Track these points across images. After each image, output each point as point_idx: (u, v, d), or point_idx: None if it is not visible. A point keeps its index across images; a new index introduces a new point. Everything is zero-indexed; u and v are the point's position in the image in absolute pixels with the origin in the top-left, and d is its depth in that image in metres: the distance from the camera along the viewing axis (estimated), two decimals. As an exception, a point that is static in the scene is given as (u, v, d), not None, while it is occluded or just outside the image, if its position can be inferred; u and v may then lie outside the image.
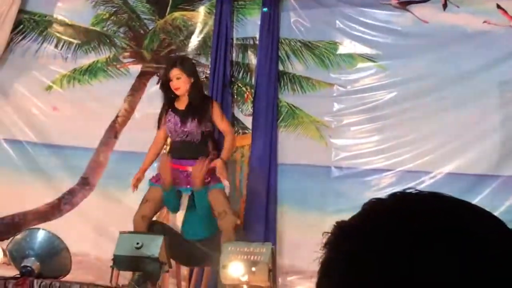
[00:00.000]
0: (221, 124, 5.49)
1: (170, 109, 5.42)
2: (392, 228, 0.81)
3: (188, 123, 5.34)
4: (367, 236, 0.82)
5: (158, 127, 5.57)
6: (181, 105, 5.44)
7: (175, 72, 5.34)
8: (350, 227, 0.85)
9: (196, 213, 5.35)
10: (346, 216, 0.88)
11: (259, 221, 6.18)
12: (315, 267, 0.87)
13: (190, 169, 5.31)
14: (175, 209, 5.44)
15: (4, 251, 5.30)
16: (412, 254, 0.79)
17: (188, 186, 5.35)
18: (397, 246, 0.80)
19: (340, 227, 0.85)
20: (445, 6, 6.30)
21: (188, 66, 5.42)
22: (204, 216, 5.32)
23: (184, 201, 5.45)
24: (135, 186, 5.42)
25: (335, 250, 0.84)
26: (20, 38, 6.78)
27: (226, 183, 5.40)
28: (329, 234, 0.86)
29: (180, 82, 5.33)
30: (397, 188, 0.90)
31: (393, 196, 0.85)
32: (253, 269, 4.77)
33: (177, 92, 5.39)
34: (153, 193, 5.39)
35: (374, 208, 0.85)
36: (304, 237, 6.15)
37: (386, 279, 0.79)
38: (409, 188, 0.86)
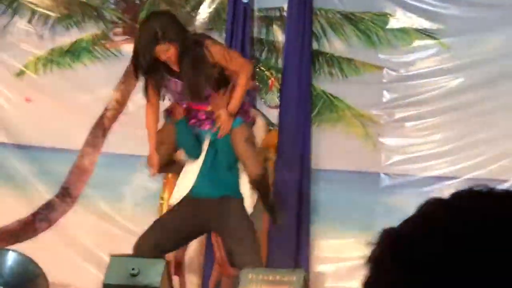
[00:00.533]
0: (230, 64, 5.46)
1: (168, 75, 5.47)
2: (458, 237, 0.82)
3: None
4: (425, 247, 0.83)
5: (147, 95, 5.58)
6: (176, 66, 5.47)
7: (160, 49, 5.32)
8: (402, 235, 0.86)
9: (217, 165, 5.45)
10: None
11: (288, 243, 6.23)
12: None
13: (209, 107, 5.41)
14: (194, 152, 5.51)
15: (-35, 278, 5.40)
16: (486, 272, 0.80)
17: (208, 128, 5.44)
18: (464, 262, 0.81)
19: (390, 236, 0.88)
20: (527, -34, 6.40)
21: (171, 33, 5.35)
22: (227, 168, 5.44)
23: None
24: (157, 170, 5.52)
25: (384, 266, 0.86)
26: (-17, 11, 6.79)
27: (259, 119, 5.54)
28: (375, 246, 0.88)
29: (170, 53, 5.34)
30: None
31: (458, 196, 0.87)
32: (281, 302, 4.85)
33: (171, 61, 5.41)
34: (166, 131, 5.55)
35: (433, 211, 0.87)
36: (345, 262, 6.25)
37: None
38: (478, 186, 0.87)
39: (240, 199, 5.48)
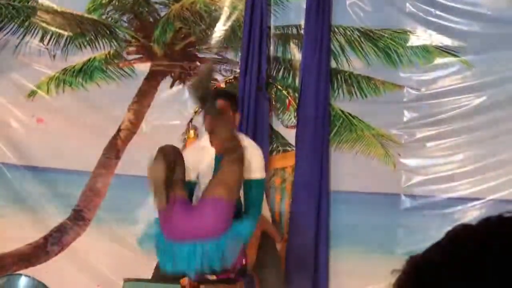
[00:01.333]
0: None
1: None
2: (484, 266, 0.81)
3: None
4: (450, 276, 0.83)
5: None
6: None
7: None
8: (429, 264, 0.86)
9: None
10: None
11: (305, 268, 6.23)
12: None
13: None
14: None
15: (-23, 302, 5.44)
16: None
17: None
18: None
19: (416, 264, 0.88)
20: (550, -18, 6.47)
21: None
22: None
23: None
24: None
25: None
26: (-5, 30, 6.99)
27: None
28: (401, 274, 0.90)
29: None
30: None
31: (486, 222, 0.87)
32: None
33: None
34: None
35: (461, 238, 0.87)
36: (366, 287, 6.27)
37: None
38: (508, 212, 0.86)
39: None
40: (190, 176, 5.59)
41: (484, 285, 0.81)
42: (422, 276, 0.87)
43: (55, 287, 5.55)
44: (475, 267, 0.82)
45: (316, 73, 6.36)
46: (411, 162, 6.46)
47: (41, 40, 6.90)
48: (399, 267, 0.91)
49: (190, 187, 5.57)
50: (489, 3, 6.46)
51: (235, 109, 5.76)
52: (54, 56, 6.88)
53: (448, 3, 6.48)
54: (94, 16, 6.93)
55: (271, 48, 6.60)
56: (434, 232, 6.15)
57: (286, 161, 6.30)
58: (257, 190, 5.62)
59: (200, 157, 5.66)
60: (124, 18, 6.87)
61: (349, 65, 6.59)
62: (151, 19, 6.86)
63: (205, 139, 5.75)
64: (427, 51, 6.52)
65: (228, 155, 5.28)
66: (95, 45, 6.87)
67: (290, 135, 6.45)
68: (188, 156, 5.58)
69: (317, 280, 6.24)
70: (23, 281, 5.42)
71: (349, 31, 6.61)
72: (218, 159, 5.53)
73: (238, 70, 6.63)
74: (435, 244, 0.89)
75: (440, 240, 0.88)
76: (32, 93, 6.88)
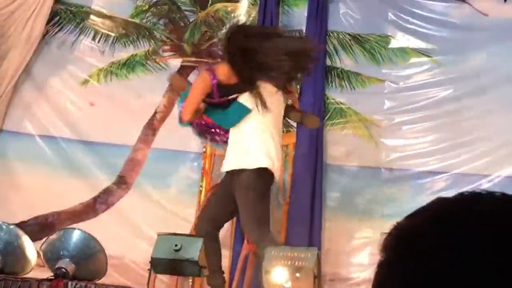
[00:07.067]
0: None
1: None
2: (462, 232, 0.79)
3: None
4: (433, 240, 0.79)
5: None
6: None
7: None
8: (413, 229, 0.82)
9: None
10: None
11: (303, 225, 6.19)
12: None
13: None
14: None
15: (38, 252, 5.25)
16: (484, 263, 0.77)
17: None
18: (466, 253, 0.78)
19: (402, 229, 0.82)
20: (506, -3, 6.38)
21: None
22: None
23: None
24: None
25: (397, 255, 0.82)
26: (56, 30, 6.89)
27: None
28: (388, 236, 0.83)
29: None
30: (452, 192, 0.85)
31: (461, 196, 0.82)
32: (298, 275, 4.72)
33: None
34: None
35: (440, 208, 0.82)
36: (350, 243, 6.25)
37: None
38: (478, 189, 0.84)
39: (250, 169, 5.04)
40: None
41: (444, 244, 0.79)
42: (408, 241, 0.81)
43: (101, 239, 5.31)
44: (448, 234, 0.79)
45: (314, 69, 6.04)
46: (389, 142, 6.45)
47: (93, 39, 6.84)
48: (385, 230, 0.84)
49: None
50: (457, 14, 6.46)
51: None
52: (103, 52, 6.82)
53: (423, 13, 6.48)
54: (136, 20, 6.86)
55: (279, 48, 6.45)
56: (407, 199, 6.15)
57: (289, 139, 6.13)
58: None
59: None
60: (161, 22, 6.79)
61: (341, 63, 6.57)
62: (182, 24, 6.78)
63: None
64: (404, 52, 6.49)
65: None
66: (137, 44, 6.83)
67: (292, 118, 6.37)
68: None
69: (312, 234, 6.20)
70: (76, 234, 5.20)
71: (341, 35, 6.59)
72: None
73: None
74: (417, 212, 0.83)
75: (421, 209, 0.83)
76: (85, 82, 6.80)
